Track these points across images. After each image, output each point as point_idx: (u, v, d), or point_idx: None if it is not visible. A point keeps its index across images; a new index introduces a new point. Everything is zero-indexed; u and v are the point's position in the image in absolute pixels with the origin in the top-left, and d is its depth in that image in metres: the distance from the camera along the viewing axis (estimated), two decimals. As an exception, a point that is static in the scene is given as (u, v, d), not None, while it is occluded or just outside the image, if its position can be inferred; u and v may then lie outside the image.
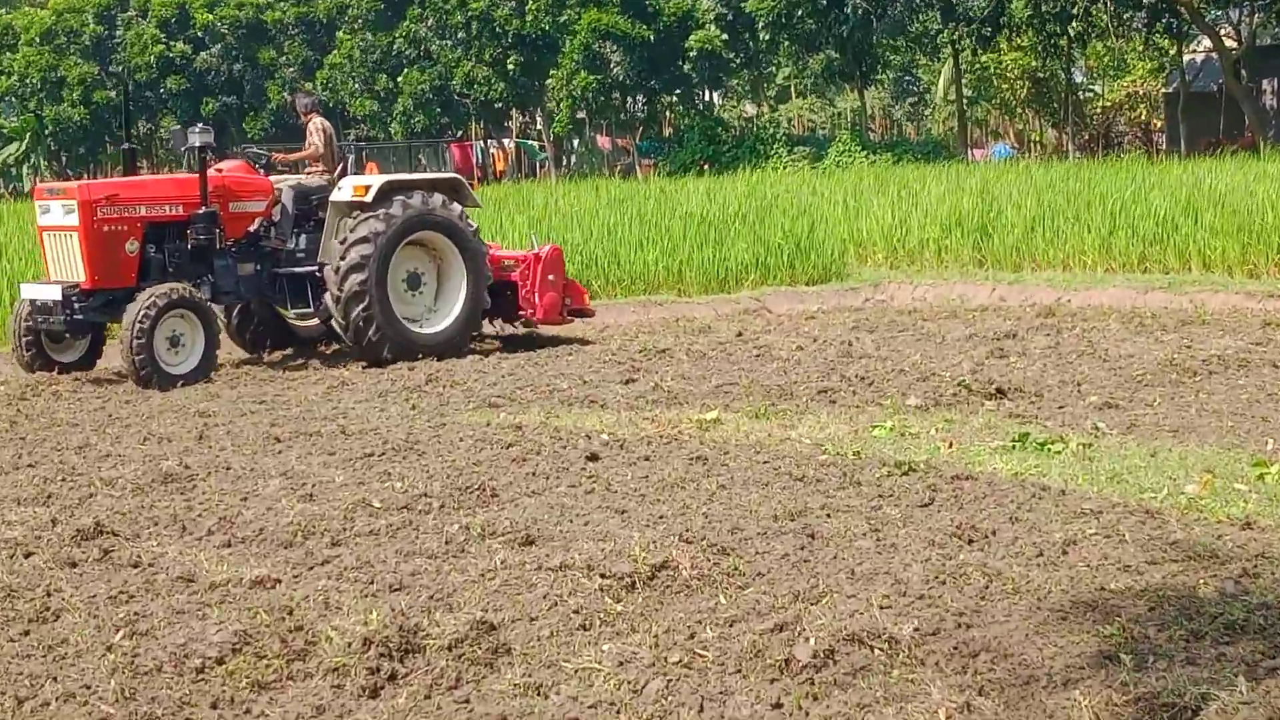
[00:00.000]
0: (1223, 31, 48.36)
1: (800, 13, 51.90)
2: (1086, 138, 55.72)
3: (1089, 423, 9.99)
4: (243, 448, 10.26)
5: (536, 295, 16.24)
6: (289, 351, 16.57)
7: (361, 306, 14.82)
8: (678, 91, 59.92)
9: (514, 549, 7.06)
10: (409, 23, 61.96)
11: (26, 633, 6.13)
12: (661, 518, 7.62)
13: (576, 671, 5.44)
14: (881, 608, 5.91)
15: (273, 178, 16.07)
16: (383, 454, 9.70)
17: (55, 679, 5.54)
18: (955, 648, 5.42)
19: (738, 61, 60.14)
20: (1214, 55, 48.73)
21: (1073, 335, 14.66)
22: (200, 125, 15.24)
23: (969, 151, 55.27)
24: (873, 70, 58.64)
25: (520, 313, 16.53)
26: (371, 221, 14.94)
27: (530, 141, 70.88)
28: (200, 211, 14.96)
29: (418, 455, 9.64)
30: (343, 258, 14.86)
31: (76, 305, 14.34)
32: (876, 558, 6.71)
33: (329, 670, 5.52)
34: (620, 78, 56.89)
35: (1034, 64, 55.22)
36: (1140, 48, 53.61)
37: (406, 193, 15.34)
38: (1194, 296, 17.29)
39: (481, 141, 68.35)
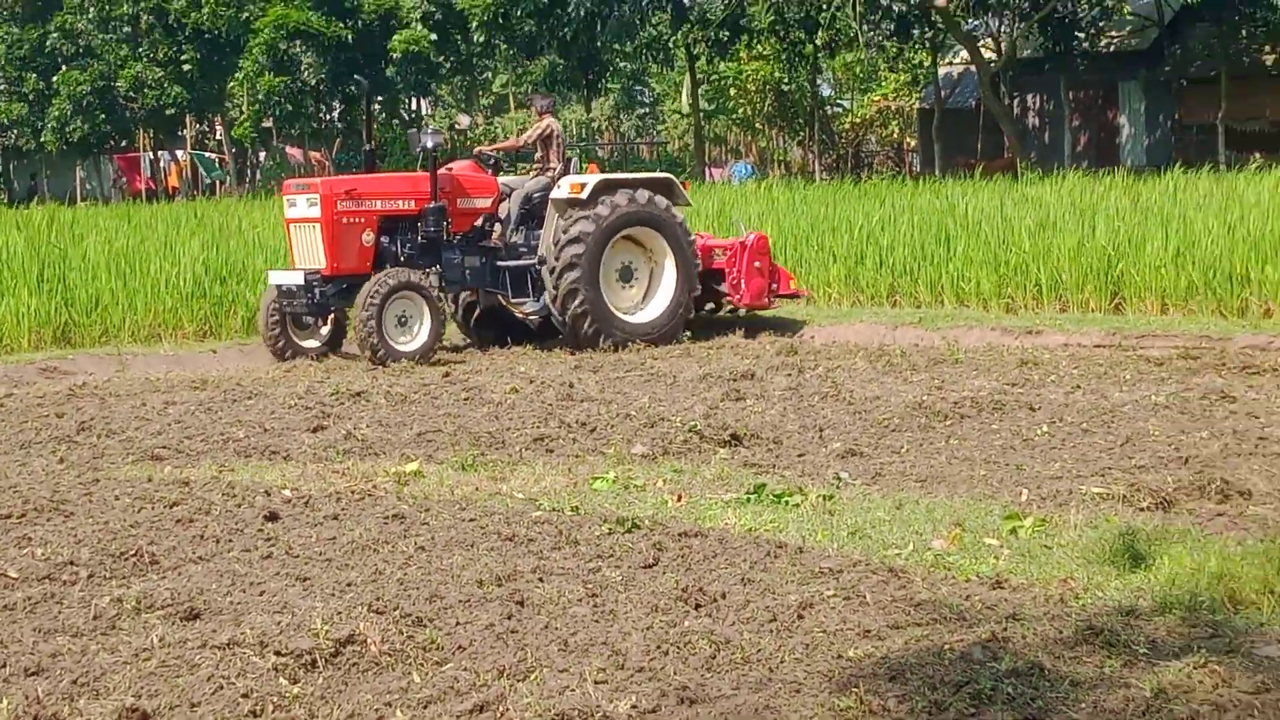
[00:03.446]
0: (981, 43, 50.11)
1: (518, 12, 51.92)
2: (834, 157, 57.14)
3: (830, 472, 10.24)
4: None
5: (743, 281, 19.18)
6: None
7: (576, 303, 18.00)
8: (379, 99, 59.67)
9: (175, 624, 6.91)
10: (66, 14, 60.43)
11: None
12: (350, 585, 7.54)
13: (244, 765, 5.34)
14: (596, 683, 5.94)
15: (500, 178, 19.19)
16: (23, 515, 9.38)
17: None
18: (677, 726, 5.48)
19: (449, 65, 60.14)
20: (972, 69, 50.48)
21: (815, 375, 14.98)
22: (432, 128, 18.54)
23: (707, 170, 56.19)
24: (600, 78, 59.23)
25: (726, 299, 19.48)
26: (582, 222, 18.04)
27: (208, 155, 69.74)
28: (430, 206, 18.07)
29: (64, 517, 9.36)
30: (557, 258, 18.03)
31: (317, 290, 17.54)
32: (593, 626, 6.75)
33: (-52, 771, 5.32)
34: (312, 81, 56.42)
35: (777, 75, 56.43)
36: (892, 57, 55.15)
37: (620, 190, 18.42)
38: (946, 333, 17.85)
39: (150, 153, 66.98)
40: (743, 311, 19.62)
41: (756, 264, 19.22)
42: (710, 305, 19.74)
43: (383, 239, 18.00)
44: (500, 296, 18.87)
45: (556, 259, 17.99)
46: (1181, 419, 11.86)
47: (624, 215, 18.29)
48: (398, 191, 18.29)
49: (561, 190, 18.39)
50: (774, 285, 19.48)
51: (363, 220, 17.80)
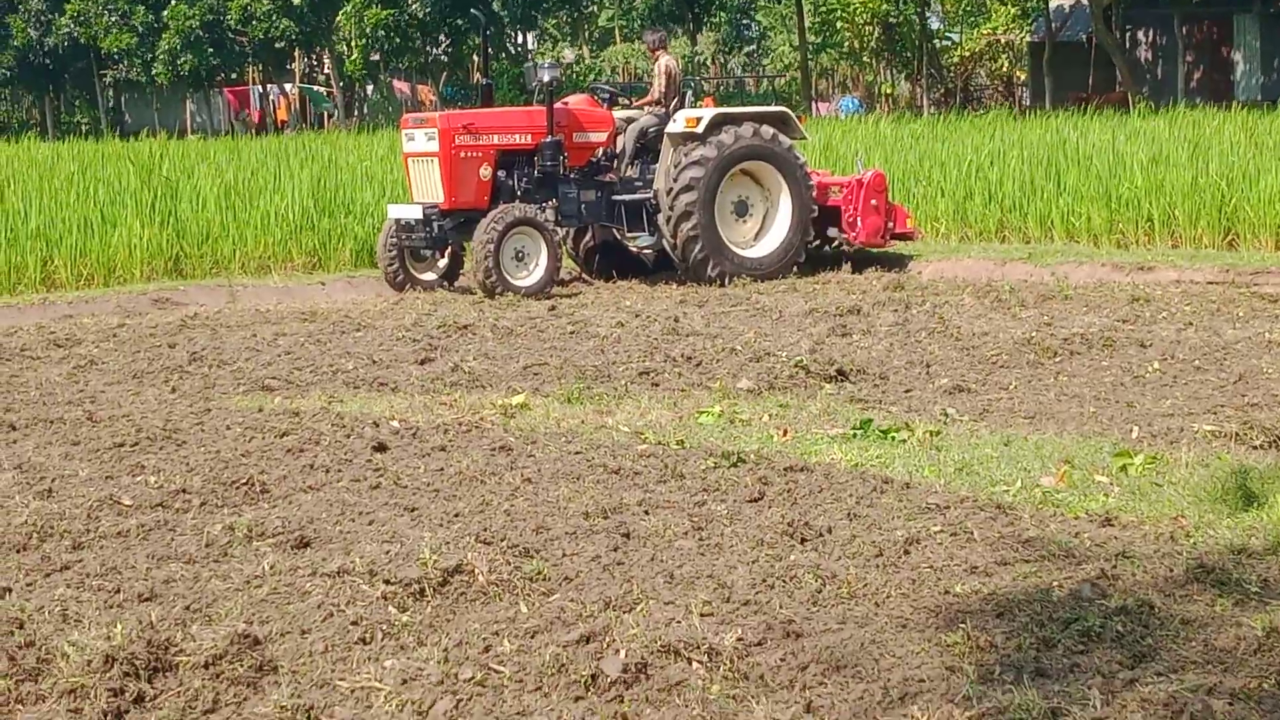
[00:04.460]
0: (1092, -25, 49.37)
1: (625, -55, 51.93)
2: (943, 91, 56.57)
3: (937, 408, 10.17)
4: (-30, 437, 9.99)
5: (859, 219, 18.97)
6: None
7: (689, 225, 18.03)
8: (489, 31, 59.82)
9: (285, 552, 6.98)
10: (176, -53, 60.83)
11: None
12: (457, 516, 7.59)
13: (353, 691, 5.38)
14: (702, 615, 5.94)
15: (615, 112, 19.33)
16: (135, 444, 9.50)
17: None
18: (782, 659, 5.47)
19: (554, -1, 60.11)
20: (1084, 1, 49.76)
21: (922, 311, 14.90)
22: (549, 61, 18.57)
23: (813, 105, 55.83)
24: (705, 11, 58.94)
25: (841, 235, 19.16)
26: (702, 148, 18.14)
27: (317, 88, 70.09)
28: (547, 140, 18.21)
29: (176, 445, 9.47)
30: (675, 180, 18.11)
31: (435, 223, 17.78)
32: (698, 559, 6.75)
33: (65, 692, 5.39)
34: (419, 15, 56.52)
35: (885, 7, 55.89)
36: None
37: (736, 124, 18.45)
38: (1056, 268, 17.65)
39: (260, 86, 67.38)
40: (849, 249, 19.37)
41: (873, 202, 19.01)
42: (818, 242, 19.39)
43: (500, 173, 18.13)
44: (615, 230, 19.03)
45: (674, 180, 18.02)
46: (1296, 357, 11.69)
47: (744, 147, 18.28)
48: (515, 126, 18.39)
49: (677, 124, 18.43)
50: (890, 223, 19.23)
51: (480, 154, 17.94)
